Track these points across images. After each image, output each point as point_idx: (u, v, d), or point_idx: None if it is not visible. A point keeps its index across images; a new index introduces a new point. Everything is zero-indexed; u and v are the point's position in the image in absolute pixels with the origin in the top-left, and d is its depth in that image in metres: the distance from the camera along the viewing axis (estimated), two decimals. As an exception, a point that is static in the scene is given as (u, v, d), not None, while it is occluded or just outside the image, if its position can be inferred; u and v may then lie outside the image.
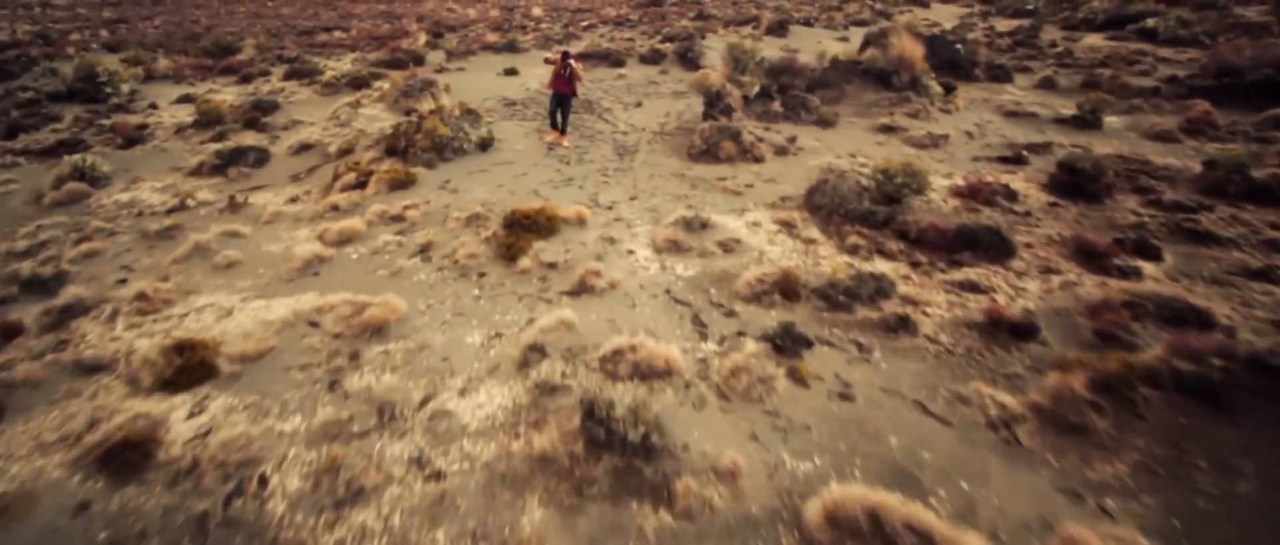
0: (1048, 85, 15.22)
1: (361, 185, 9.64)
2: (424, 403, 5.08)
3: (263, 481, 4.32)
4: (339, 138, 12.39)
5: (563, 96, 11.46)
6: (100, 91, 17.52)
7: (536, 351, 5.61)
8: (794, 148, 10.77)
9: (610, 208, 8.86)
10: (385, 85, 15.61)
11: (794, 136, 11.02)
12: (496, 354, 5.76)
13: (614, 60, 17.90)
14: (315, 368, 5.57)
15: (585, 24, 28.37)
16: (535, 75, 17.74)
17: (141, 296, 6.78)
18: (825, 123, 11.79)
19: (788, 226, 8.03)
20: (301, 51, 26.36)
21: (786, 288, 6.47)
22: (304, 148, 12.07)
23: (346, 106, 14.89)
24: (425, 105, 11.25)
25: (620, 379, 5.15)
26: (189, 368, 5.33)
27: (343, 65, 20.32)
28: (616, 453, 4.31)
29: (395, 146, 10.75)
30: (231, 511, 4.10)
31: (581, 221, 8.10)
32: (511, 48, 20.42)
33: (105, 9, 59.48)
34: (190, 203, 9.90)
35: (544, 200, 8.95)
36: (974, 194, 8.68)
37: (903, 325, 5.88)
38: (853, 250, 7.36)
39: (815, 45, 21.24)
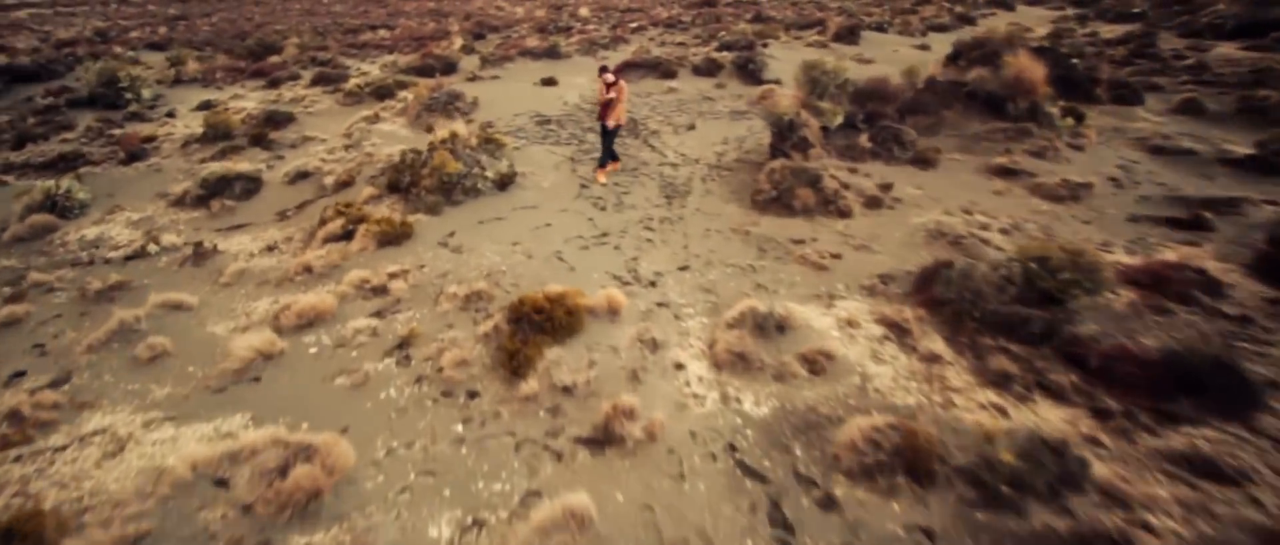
0: (1192, 110, 12.33)
1: (348, 235, 7.73)
2: None
3: None
4: (343, 164, 10.58)
5: (603, 127, 9.45)
6: (120, 97, 16.28)
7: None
8: (889, 198, 8.40)
9: (654, 283, 6.71)
10: (408, 97, 13.80)
11: (889, 183, 8.64)
12: (466, 575, 3.71)
13: (664, 71, 15.69)
14: (188, 591, 3.61)
15: (634, 26, 26.18)
16: (575, 87, 15.69)
17: (13, 416, 4.96)
18: (924, 162, 9.35)
19: (897, 330, 5.72)
20: (340, 52, 25.03)
21: (914, 458, 4.22)
22: (301, 176, 10.28)
23: (363, 122, 13.13)
24: (439, 131, 9.30)
25: None
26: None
27: (372, 71, 18.69)
28: None
29: (398, 182, 8.83)
30: None
31: (613, 311, 5.97)
32: (552, 53, 18.42)
33: (171, 5, 60.39)
34: (153, 248, 8.17)
35: (567, 271, 6.85)
36: (1157, 283, 6.19)
37: (1115, 554, 3.57)
38: (1001, 381, 5.03)
39: (892, 54, 18.59)
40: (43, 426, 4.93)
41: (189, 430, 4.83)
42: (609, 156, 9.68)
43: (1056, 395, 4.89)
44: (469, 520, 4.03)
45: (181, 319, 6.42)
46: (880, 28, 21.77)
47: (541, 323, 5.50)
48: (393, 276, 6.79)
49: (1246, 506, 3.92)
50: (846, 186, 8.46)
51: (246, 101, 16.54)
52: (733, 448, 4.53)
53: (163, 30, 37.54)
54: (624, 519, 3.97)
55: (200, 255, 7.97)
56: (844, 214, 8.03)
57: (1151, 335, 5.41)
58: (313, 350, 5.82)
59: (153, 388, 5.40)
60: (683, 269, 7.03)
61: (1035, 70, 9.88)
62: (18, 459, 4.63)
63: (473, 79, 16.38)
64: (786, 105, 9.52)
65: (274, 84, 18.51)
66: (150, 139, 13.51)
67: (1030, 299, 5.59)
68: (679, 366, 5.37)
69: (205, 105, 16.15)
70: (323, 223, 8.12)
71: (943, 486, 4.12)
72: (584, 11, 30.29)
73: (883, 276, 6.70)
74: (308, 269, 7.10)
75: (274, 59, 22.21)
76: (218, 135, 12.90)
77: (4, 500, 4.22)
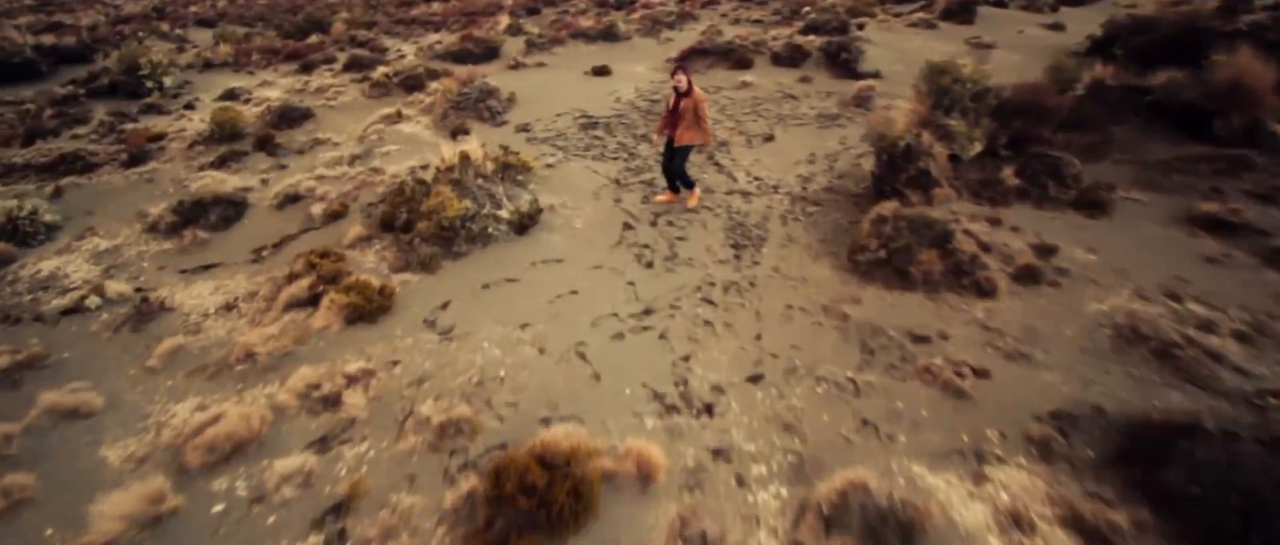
0: None
1: (315, 301, 6.03)
2: None
3: None
4: (340, 185, 8.94)
5: (670, 146, 7.41)
6: (141, 86, 15.27)
7: None
8: (1049, 268, 6.02)
9: (710, 408, 4.70)
10: (439, 88, 12.06)
11: (1050, 246, 6.24)
12: None
13: (737, 59, 13.36)
14: None
15: (705, 1, 23.60)
16: (632, 77, 13.60)
17: None
18: (1093, 205, 6.85)
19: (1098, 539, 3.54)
20: (386, 29, 23.66)
21: None
22: (291, 200, 8.69)
23: (381, 123, 11.49)
24: (446, 150, 7.48)
25: None
26: None
27: (408, 54, 17.08)
28: None
29: (393, 218, 7.07)
30: None
31: (646, 477, 4.01)
32: (609, 35, 16.32)
33: (238, -24, 61.13)
34: (93, 302, 6.73)
35: (589, 381, 4.92)
36: None
37: None
38: None
39: (1016, 37, 15.57)
40: None
41: None
42: (683, 183, 7.68)
43: None
44: None
45: (72, 436, 4.86)
46: (999, 2, 18.54)
47: (533, 511, 3.60)
48: (352, 379, 5.02)
49: None
50: (987, 247, 6.15)
51: (272, 90, 15.26)
52: None
53: (221, 3, 37.41)
54: None
55: (143, 314, 6.46)
56: (985, 292, 5.75)
57: None
58: (217, 508, 4.12)
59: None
60: (753, 381, 4.98)
61: (1261, 73, 7.16)
62: None
63: (515, 67, 14.52)
64: (901, 123, 7.19)
65: (307, 68, 17.21)
66: (158, 137, 12.32)
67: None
68: (743, 605, 3.39)
69: (229, 95, 14.95)
70: (290, 277, 6.46)
71: None
72: (651, -17, 27.76)
73: (1058, 416, 4.46)
74: (251, 355, 5.42)
75: (314, 39, 21.00)
76: (224, 135, 11.56)
77: None
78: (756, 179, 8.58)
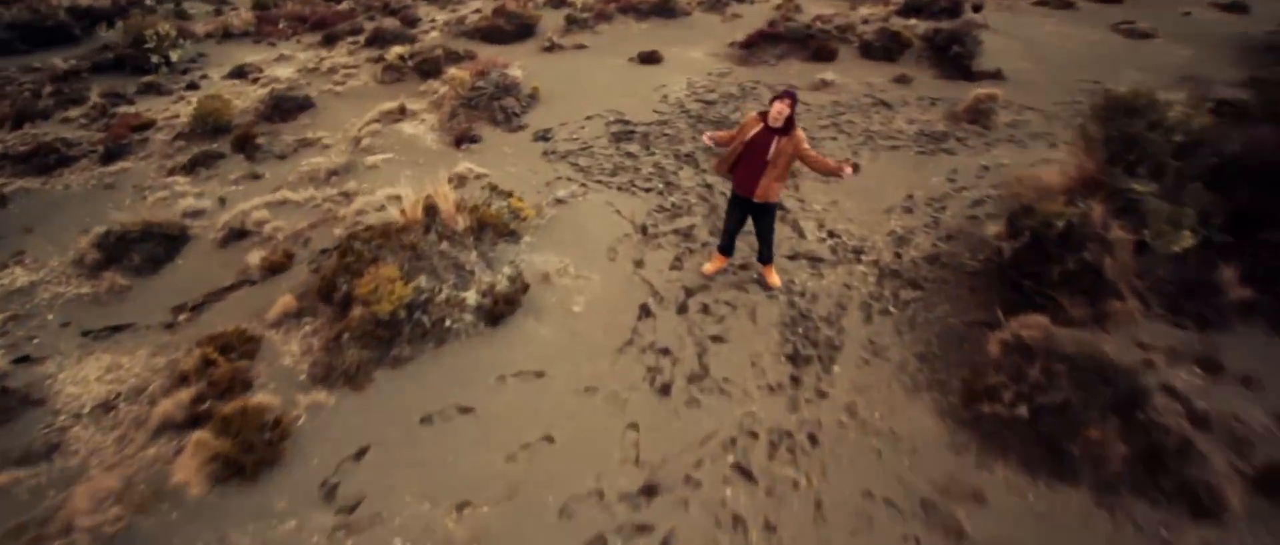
0: None
1: (195, 422, 4.36)
2: None
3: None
4: (302, 215, 7.27)
5: (747, 203, 5.26)
6: (147, 60, 14.08)
7: None
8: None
9: None
10: (453, 77, 10.18)
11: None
12: None
13: (816, 48, 10.89)
14: None
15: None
16: (686, 66, 11.37)
17: None
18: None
19: None
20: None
21: None
22: (237, 237, 7.06)
23: (382, 120, 9.77)
24: (409, 200, 5.64)
25: None
26: None
27: (437, 25, 15.24)
28: None
29: (332, 287, 5.30)
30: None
31: None
32: (664, 10, 14.01)
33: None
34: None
35: None
36: None
37: None
38: None
39: (1182, 21, 12.39)
40: None
41: None
42: (765, 255, 5.57)
43: None
44: None
45: None
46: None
47: None
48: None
49: None
50: (1203, 419, 3.88)
51: (285, 68, 13.80)
52: None
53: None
54: None
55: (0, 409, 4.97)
56: (1203, 507, 3.53)
57: None
58: None
59: None
60: None
61: None
62: None
63: (549, 48, 12.48)
64: (1057, 186, 4.86)
65: (330, 41, 15.68)
66: (146, 126, 11.03)
67: None
68: None
69: (237, 73, 13.59)
70: (179, 379, 4.81)
71: None
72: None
73: None
74: (68, 532, 3.80)
75: (345, 4, 19.47)
76: (206, 129, 10.12)
77: None
78: (831, 235, 6.40)
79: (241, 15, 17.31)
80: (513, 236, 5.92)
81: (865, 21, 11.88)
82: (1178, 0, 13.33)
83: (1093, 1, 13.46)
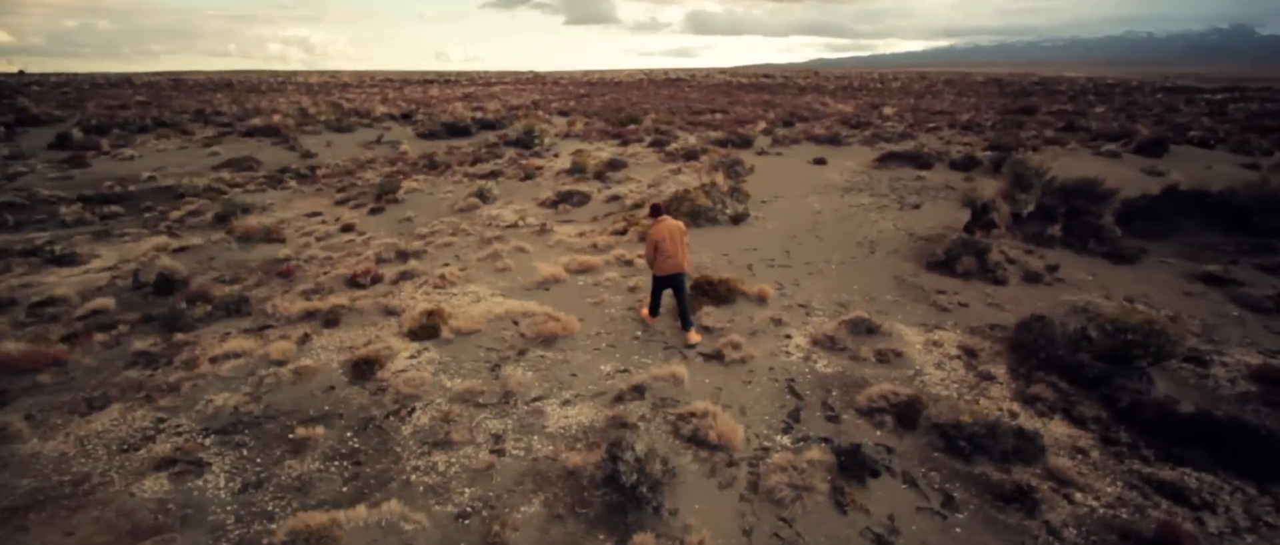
0: None
1: (623, 231, 11.17)
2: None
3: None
4: (634, 197, 14.35)
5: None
6: (531, 142, 23.30)
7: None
8: (1051, 278, 8.80)
9: (805, 294, 8.62)
10: (707, 156, 17.33)
11: (1054, 266, 9.00)
12: (609, 384, 6.35)
13: (919, 162, 16.65)
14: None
15: (930, 126, 26.65)
16: (842, 169, 17.61)
17: None
18: (1120, 257, 9.27)
19: (970, 355, 6.78)
20: (680, 126, 30.65)
21: (906, 411, 5.61)
22: (614, 199, 14.32)
23: (667, 174, 17.03)
24: (692, 180, 12.40)
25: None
26: None
27: (691, 139, 23.08)
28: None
29: (670, 208, 12.09)
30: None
31: None
32: (834, 141, 20.53)
33: (581, 88, 77.20)
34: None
35: None
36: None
37: (1020, 498, 4.62)
38: (1030, 400, 5.90)
39: (1201, 171, 16.37)
40: None
41: None
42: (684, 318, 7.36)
43: (1074, 420, 5.62)
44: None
45: None
46: (1206, 143, 18.85)
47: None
48: (639, 257, 9.91)
49: (1180, 520, 4.48)
50: (1012, 261, 9.12)
51: (603, 153, 22.17)
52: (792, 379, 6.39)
53: (571, 103, 49.35)
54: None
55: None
56: (999, 281, 8.78)
57: (1224, 410, 5.61)
58: (581, 284, 9.15)
59: None
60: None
61: (1290, 189, 9.00)
62: (441, 294, 8.74)
63: (761, 153, 19.48)
64: (986, 192, 10.33)
65: (624, 143, 24.19)
66: (538, 168, 19.45)
67: (1101, 355, 6.18)
68: (787, 336, 7.31)
69: (578, 151, 22.18)
70: (614, 226, 11.73)
71: (919, 432, 5.46)
72: (889, 111, 31.50)
73: (994, 325, 7.57)
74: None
75: (630, 127, 28.51)
76: (577, 169, 18.12)
77: (433, 306, 8.22)
78: (871, 238, 12.08)
79: (575, 126, 26.69)
80: (743, 198, 12.37)
81: (958, 149, 17.46)
82: (1211, 160, 17.19)
83: (1140, 155, 17.74)
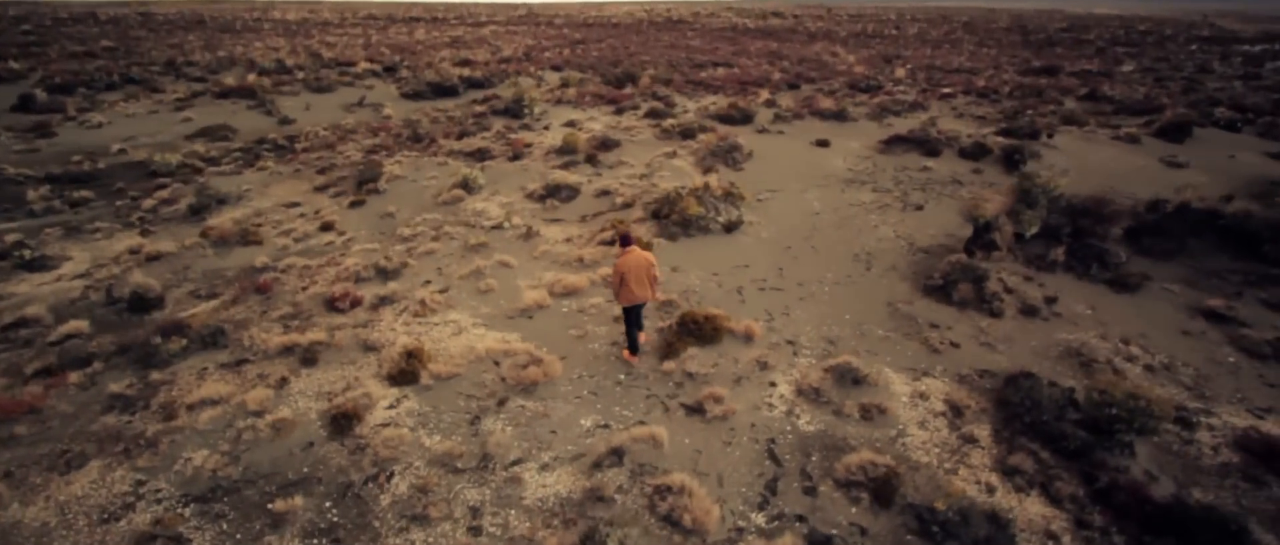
0: None
1: (608, 245, 11.20)
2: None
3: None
4: (627, 190, 14.31)
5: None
6: (521, 110, 22.94)
7: None
8: (1048, 311, 8.92)
9: (795, 326, 8.74)
10: (703, 139, 17.11)
11: (1052, 297, 9.09)
12: None
13: (928, 149, 16.46)
14: (470, 404, 7.12)
15: (945, 91, 26.15)
16: (845, 152, 17.43)
17: (424, 302, 9.30)
18: (1123, 285, 9.35)
19: (955, 412, 6.97)
20: (679, 88, 30.10)
21: (883, 489, 5.83)
22: (604, 194, 14.26)
23: (662, 156, 16.87)
24: (690, 179, 12.31)
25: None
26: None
27: (690, 111, 22.69)
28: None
29: (660, 211, 12.08)
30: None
31: None
32: (840, 116, 20.22)
33: (577, 31, 75.12)
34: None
35: None
36: (1268, 455, 6.24)
37: (985, 594, 4.89)
38: (1010, 472, 6.12)
39: (1221, 161, 16.23)
40: None
41: None
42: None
43: (1051, 498, 5.85)
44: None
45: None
46: (1233, 126, 18.57)
47: None
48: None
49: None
50: (1011, 291, 9.21)
51: (597, 125, 21.87)
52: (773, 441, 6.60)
53: (566, 52, 48.19)
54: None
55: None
56: (994, 312, 8.90)
57: (1211, 492, 5.83)
58: (566, 310, 9.27)
59: None
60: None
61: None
62: (422, 324, 8.87)
63: (762, 131, 19.23)
64: (990, 207, 10.31)
65: (619, 112, 23.81)
66: (528, 145, 19.23)
67: (1085, 423, 6.37)
68: (772, 384, 7.48)
69: (570, 124, 21.89)
70: (595, 235, 11.76)
71: (895, 511, 5.69)
72: (901, 73, 30.81)
73: (981, 371, 7.73)
74: (582, 259, 10.73)
75: (627, 90, 27.98)
76: (567, 149, 17.92)
77: (413, 340, 8.36)
78: (868, 251, 12.08)
79: (568, 92, 26.22)
80: (736, 203, 12.35)
81: (969, 136, 17.26)
82: (1235, 146, 17.02)
83: (1160, 140, 17.54)
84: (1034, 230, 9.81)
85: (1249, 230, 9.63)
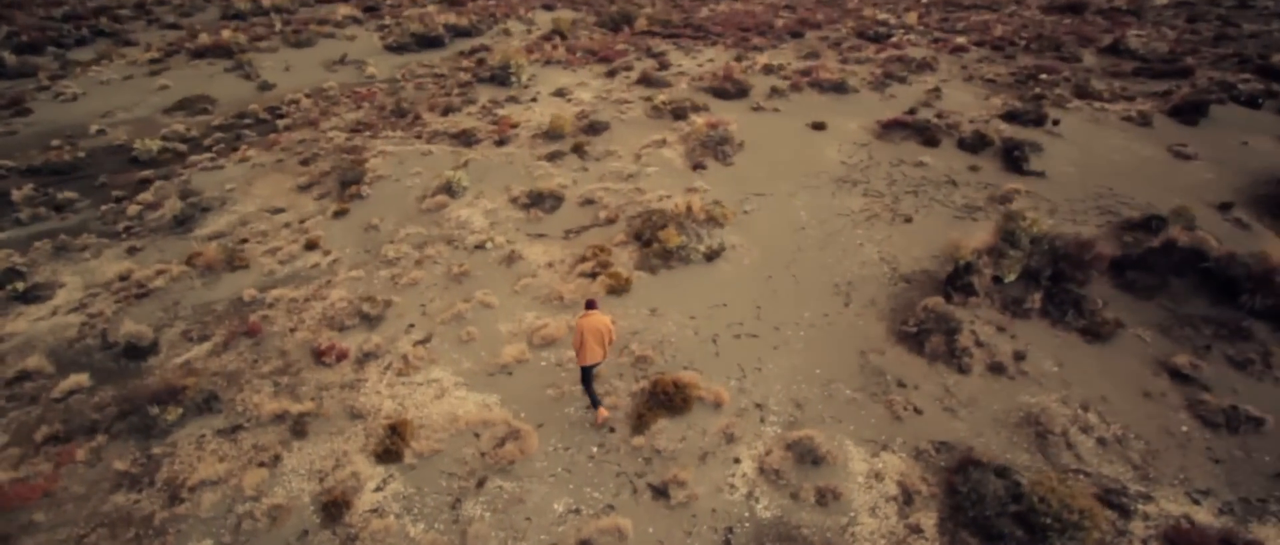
0: None
1: (594, 274, 11.65)
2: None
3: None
4: (615, 199, 14.54)
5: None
6: (508, 77, 22.67)
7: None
8: (1015, 368, 9.42)
9: (765, 385, 9.32)
10: (694, 124, 17.09)
11: (1022, 353, 9.57)
12: None
13: (926, 137, 16.35)
14: None
15: (957, 44, 25.38)
16: (842, 135, 17.37)
17: (408, 358, 9.93)
18: (1094, 335, 9.78)
19: (906, 498, 7.64)
20: (675, 33, 29.29)
21: (828, 593, 6.58)
22: (588, 203, 14.51)
23: (652, 145, 16.92)
24: (677, 199, 12.55)
25: None
26: None
27: (685, 71, 22.31)
28: None
29: (641, 234, 12.42)
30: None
31: (718, 404, 8.86)
32: (840, 88, 19.89)
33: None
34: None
35: None
36: (1186, 552, 6.92)
37: None
38: (947, 571, 6.85)
39: (1236, 151, 16.11)
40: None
41: None
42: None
43: (980, 600, 6.60)
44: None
45: (491, 313, 11.07)
46: (1252, 100, 18.17)
47: None
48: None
49: None
50: (981, 344, 9.68)
51: (587, 93, 21.66)
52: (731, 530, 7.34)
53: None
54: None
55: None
56: (961, 368, 9.41)
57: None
58: (546, 362, 9.86)
59: None
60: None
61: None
62: (405, 384, 9.53)
63: (756, 109, 19.05)
64: (967, 248, 10.58)
65: (611, 74, 23.45)
66: (515, 125, 19.22)
67: (1026, 523, 7.03)
68: (736, 462, 8.16)
69: (558, 93, 21.68)
70: (579, 259, 12.17)
71: (834, 618, 6.48)
72: (912, 18, 29.67)
73: (939, 444, 8.35)
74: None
75: (620, 41, 27.34)
76: (554, 134, 17.96)
77: (397, 407, 9.04)
78: (842, 282, 12.41)
79: (560, 52, 25.70)
80: (719, 224, 12.63)
81: (970, 121, 17.11)
82: (1250, 129, 16.82)
83: (1174, 120, 17.32)
84: (1013, 277, 10.15)
85: (1230, 276, 9.93)
